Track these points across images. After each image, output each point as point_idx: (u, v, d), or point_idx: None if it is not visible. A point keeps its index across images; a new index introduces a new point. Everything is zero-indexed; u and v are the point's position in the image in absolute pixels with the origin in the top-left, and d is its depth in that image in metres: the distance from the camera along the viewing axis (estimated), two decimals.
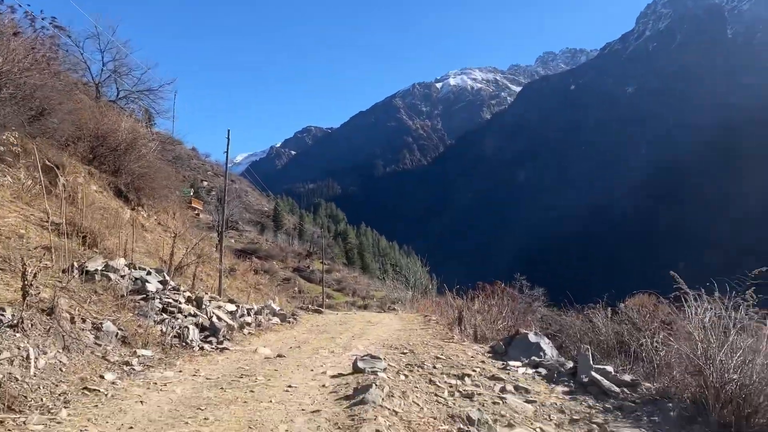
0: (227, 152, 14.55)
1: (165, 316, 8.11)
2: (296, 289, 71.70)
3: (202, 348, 7.85)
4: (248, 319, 10.91)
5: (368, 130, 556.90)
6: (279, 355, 7.91)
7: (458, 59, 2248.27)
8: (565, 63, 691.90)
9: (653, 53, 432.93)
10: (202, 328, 8.57)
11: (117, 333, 6.58)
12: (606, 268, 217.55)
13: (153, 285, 8.77)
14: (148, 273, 9.44)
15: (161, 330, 7.58)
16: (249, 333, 10.15)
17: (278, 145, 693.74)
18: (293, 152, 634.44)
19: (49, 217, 10.24)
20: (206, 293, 11.52)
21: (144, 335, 7.04)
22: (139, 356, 6.49)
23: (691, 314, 5.72)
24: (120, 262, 8.91)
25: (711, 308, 5.71)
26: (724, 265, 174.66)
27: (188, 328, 7.96)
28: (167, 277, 9.93)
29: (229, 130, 14.88)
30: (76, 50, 24.31)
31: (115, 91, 25.63)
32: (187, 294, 9.74)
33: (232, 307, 10.87)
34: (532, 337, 8.94)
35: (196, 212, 71.67)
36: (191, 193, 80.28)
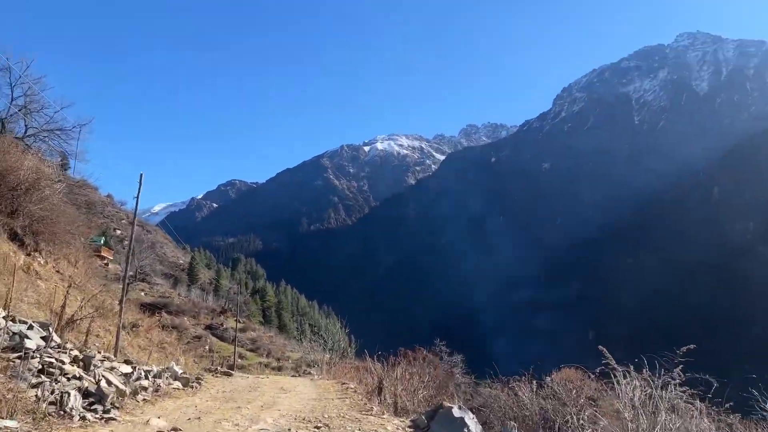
0: (137, 197, 13.54)
1: (43, 378, 6.99)
2: (207, 348, 67.97)
3: (83, 418, 6.78)
4: (144, 383, 9.77)
5: (295, 188, 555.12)
6: (174, 429, 6.95)
7: (386, 125, 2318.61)
8: (487, 136, 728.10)
9: (568, 133, 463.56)
10: (86, 394, 7.47)
11: None
12: (519, 339, 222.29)
13: (33, 341, 7.63)
14: (29, 327, 8.27)
15: (36, 395, 6.51)
16: (144, 400, 9.04)
17: (200, 196, 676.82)
18: (215, 205, 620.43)
19: None
20: (100, 352, 10.31)
21: (11, 401, 5.96)
22: None
23: (621, 392, 5.42)
24: None
25: (640, 386, 5.44)
26: (629, 337, 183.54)
27: (69, 394, 6.87)
28: (53, 333, 8.76)
29: (141, 174, 13.97)
30: None
31: (23, 128, 23.86)
32: (75, 353, 8.60)
33: (127, 369, 9.72)
34: (456, 412, 8.44)
35: (105, 262, 67.59)
36: (102, 242, 75.90)
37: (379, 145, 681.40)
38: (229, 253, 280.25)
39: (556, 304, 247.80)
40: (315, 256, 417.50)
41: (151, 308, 67.37)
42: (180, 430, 6.92)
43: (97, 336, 13.62)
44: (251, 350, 74.48)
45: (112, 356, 10.84)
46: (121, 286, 30.04)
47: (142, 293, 79.40)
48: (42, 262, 17.06)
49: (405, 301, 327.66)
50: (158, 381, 10.38)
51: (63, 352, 8.15)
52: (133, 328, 18.10)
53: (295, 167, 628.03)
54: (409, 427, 8.45)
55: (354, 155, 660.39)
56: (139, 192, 13.53)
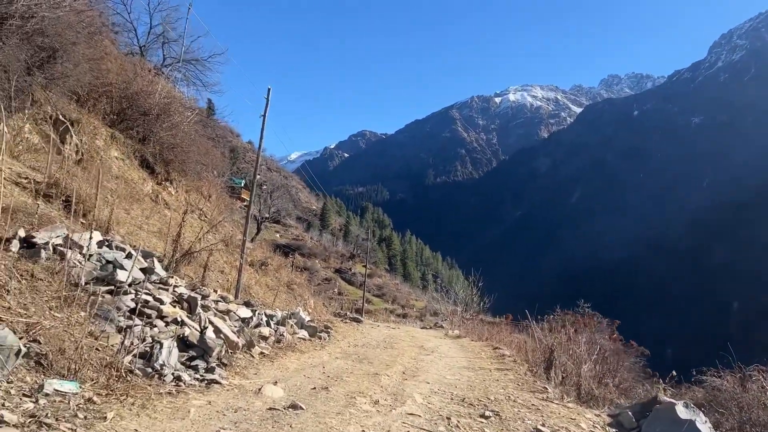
0: (264, 115, 11.90)
1: (135, 321, 5.35)
2: (336, 290, 69.43)
3: (178, 378, 5.04)
4: (265, 331, 8.11)
5: (423, 139, 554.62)
6: (292, 406, 5.02)
7: (520, 75, 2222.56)
8: (630, 88, 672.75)
9: (724, 84, 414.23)
10: (187, 345, 5.78)
11: (19, 349, 3.85)
12: (654, 302, 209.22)
13: (128, 273, 6.02)
14: (128, 256, 6.73)
15: (119, 344, 4.85)
16: (261, 354, 7.33)
17: (332, 146, 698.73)
18: (346, 155, 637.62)
19: (30, 176, 7.75)
20: (215, 291, 8.83)
21: (79, 353, 4.29)
22: (42, 395, 3.74)
23: None
24: (87, 237, 6.20)
25: None
26: None
27: (161, 344, 5.18)
28: (156, 264, 7.22)
29: (269, 89, 12.30)
30: (123, 9, 22.38)
31: (162, 58, 23.63)
32: (181, 290, 7.03)
33: (245, 313, 8.11)
34: (682, 411, 5.80)
35: (245, 204, 70.23)
36: (242, 184, 79.37)
37: (512, 96, 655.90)
38: (358, 201, 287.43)
39: (698, 271, 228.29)
40: (440, 207, 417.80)
41: (284, 249, 69.79)
42: (299, 407, 4.97)
43: (222, 272, 12.45)
44: (377, 296, 75.21)
45: (230, 296, 9.34)
46: (251, 223, 29.64)
47: (277, 235, 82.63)
48: (172, 191, 16.31)
49: (530, 257, 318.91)
50: (281, 329, 8.70)
51: (164, 289, 6.57)
52: (262, 267, 17.10)
53: (424, 119, 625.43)
54: (610, 425, 5.97)
55: (484, 106, 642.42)
56: (266, 109, 11.92)
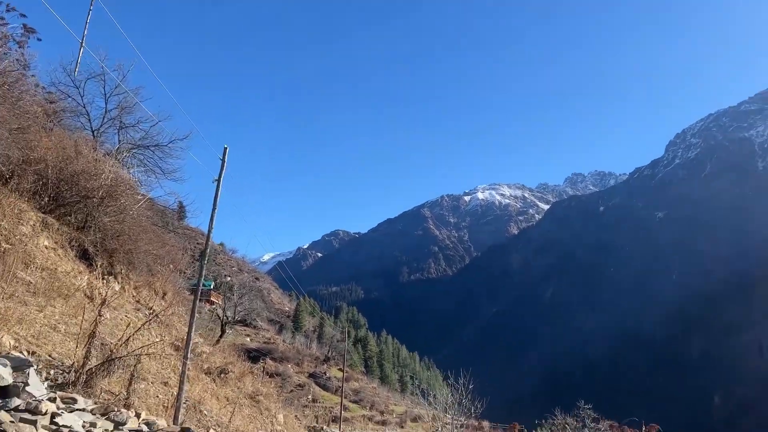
0: (219, 179, 9.92)
1: None
2: (310, 398, 64.89)
3: None
4: None
5: (395, 237, 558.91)
6: None
7: (487, 174, 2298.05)
8: (594, 185, 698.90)
9: (683, 181, 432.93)
10: None
11: None
12: (637, 396, 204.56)
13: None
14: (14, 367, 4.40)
15: None
16: None
17: (306, 246, 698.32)
18: (319, 254, 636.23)
19: None
20: (142, 413, 6.37)
21: None
22: None
23: None
24: None
25: None
26: (756, 400, 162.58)
27: None
28: (32, 378, 4.80)
29: (226, 147, 10.38)
30: (75, 92, 20.75)
31: (116, 143, 21.75)
32: (72, 418, 4.62)
33: None
34: None
35: (214, 306, 66.96)
36: (211, 286, 76.12)
37: (480, 195, 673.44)
38: (332, 301, 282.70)
39: (676, 363, 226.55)
40: (415, 305, 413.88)
41: (255, 354, 65.66)
42: None
43: (165, 384, 9.87)
44: (354, 401, 70.62)
45: (163, 422, 6.72)
46: (214, 325, 26.72)
47: (248, 338, 78.44)
48: (116, 287, 13.85)
49: (509, 356, 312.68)
50: None
51: (28, 421, 4.18)
52: (222, 375, 14.40)
53: (396, 217, 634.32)
54: None
55: (454, 205, 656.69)
56: (222, 169, 9.98)
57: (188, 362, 11.73)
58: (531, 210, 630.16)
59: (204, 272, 9.29)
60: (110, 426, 4.97)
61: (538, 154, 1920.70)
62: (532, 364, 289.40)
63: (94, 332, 6.91)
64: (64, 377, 6.29)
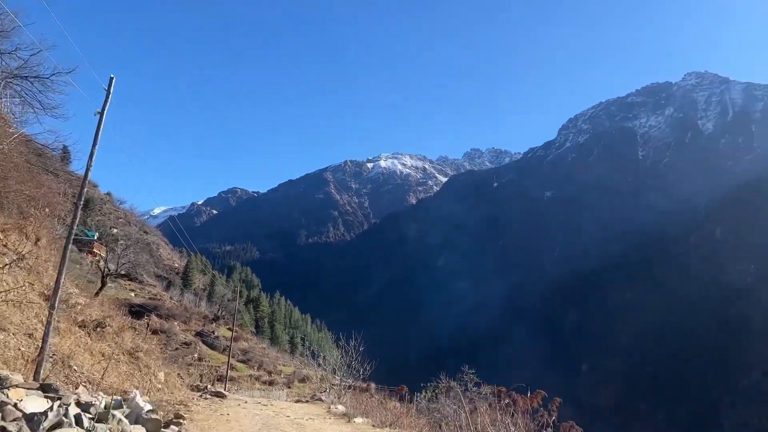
0: (102, 112, 8.87)
1: None
2: (196, 356, 63.17)
3: None
4: None
5: (295, 199, 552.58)
6: None
7: (391, 143, 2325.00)
8: (490, 161, 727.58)
9: (572, 163, 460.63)
10: None
11: None
12: (514, 365, 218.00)
13: None
14: None
15: None
16: None
17: (200, 202, 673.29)
18: (215, 211, 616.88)
19: None
20: None
21: None
22: None
23: None
24: None
25: None
26: (622, 372, 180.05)
27: None
28: None
29: (112, 77, 9.33)
30: None
31: None
32: None
33: (37, 405, 5.03)
34: None
35: (97, 259, 63.03)
36: (95, 236, 71.38)
37: (383, 163, 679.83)
38: (226, 260, 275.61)
39: (552, 334, 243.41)
40: (311, 268, 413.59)
41: (139, 309, 62.64)
42: None
43: (30, 336, 8.92)
44: (242, 361, 69.62)
45: (19, 377, 5.93)
46: (95, 276, 24.96)
47: (132, 293, 74.71)
48: None
49: (399, 320, 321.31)
50: (100, 429, 5.59)
51: None
52: (98, 328, 13.34)
53: (298, 179, 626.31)
54: None
55: (357, 171, 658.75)
56: (105, 104, 8.93)
57: (59, 313, 10.72)
58: (430, 181, 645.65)
59: (79, 213, 8.35)
60: None
61: (441, 127, 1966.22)
62: (420, 330, 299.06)
63: None
64: None
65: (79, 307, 13.51)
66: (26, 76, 19.61)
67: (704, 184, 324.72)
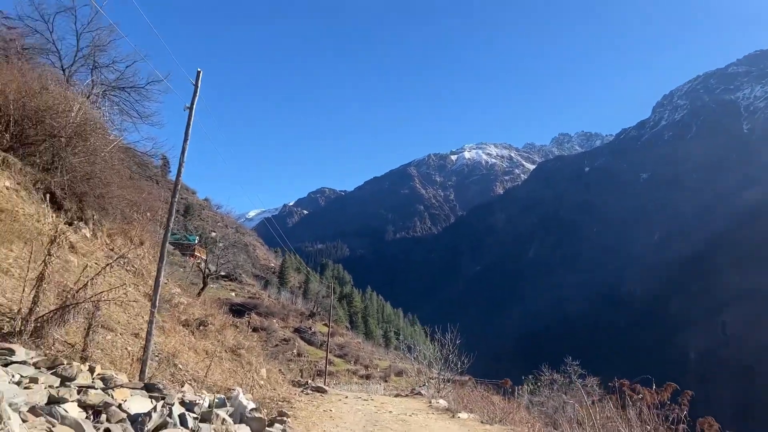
0: (191, 106, 8.86)
1: None
2: (295, 351, 64.96)
3: None
4: None
5: (381, 195, 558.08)
6: None
7: (474, 134, 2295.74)
8: (580, 145, 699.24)
9: (669, 142, 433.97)
10: None
11: None
12: (615, 354, 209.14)
13: None
14: None
15: None
16: None
17: (291, 203, 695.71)
18: (305, 211, 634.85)
19: None
20: (96, 366, 5.58)
21: None
22: None
23: None
24: None
25: None
26: (730, 357, 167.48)
27: None
28: None
29: (199, 72, 9.32)
30: (44, 27, 19.04)
31: (90, 84, 20.17)
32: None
33: (141, 405, 4.90)
34: None
35: (198, 261, 66.16)
36: (195, 240, 75.21)
37: (467, 154, 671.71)
38: (318, 258, 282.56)
39: (654, 322, 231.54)
40: (400, 263, 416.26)
41: (240, 308, 65.29)
42: None
43: (136, 336, 9.09)
44: (339, 356, 70.96)
45: (123, 377, 5.91)
46: (196, 277, 25.88)
47: (233, 293, 78.09)
48: (87, 234, 12.90)
49: (491, 312, 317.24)
50: (203, 429, 5.41)
51: None
52: (201, 327, 13.65)
53: (383, 176, 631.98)
54: None
55: (441, 164, 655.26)
56: (194, 97, 8.91)
57: (163, 313, 10.94)
58: (517, 170, 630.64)
59: (174, 208, 8.38)
60: (56, 382, 4.22)
61: (526, 114, 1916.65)
62: (513, 321, 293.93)
63: (42, 274, 6.06)
64: (12, 325, 5.47)
65: (183, 306, 13.84)
66: (123, 87, 20.59)
67: None
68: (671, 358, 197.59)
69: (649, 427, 6.84)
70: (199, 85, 8.98)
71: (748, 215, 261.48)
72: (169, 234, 8.56)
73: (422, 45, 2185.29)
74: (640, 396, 7.65)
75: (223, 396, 6.75)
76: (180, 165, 8.29)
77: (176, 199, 8.38)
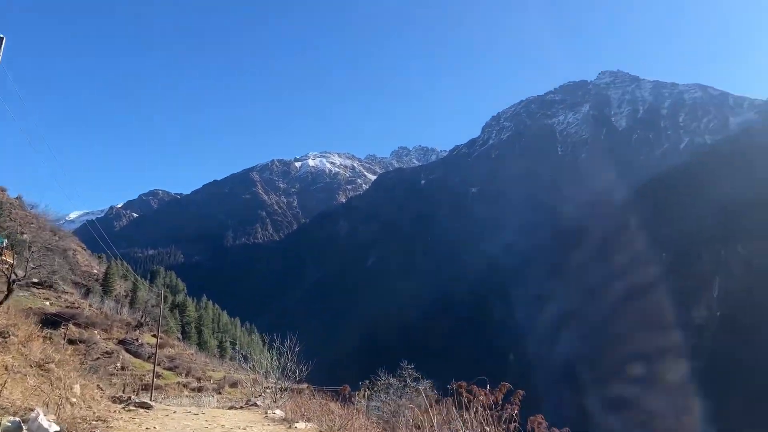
0: None
1: None
2: (119, 365, 59.85)
3: None
4: None
5: (221, 200, 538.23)
6: None
7: (319, 142, 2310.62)
8: (418, 159, 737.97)
9: (495, 160, 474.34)
10: None
11: None
12: (445, 358, 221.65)
13: None
14: None
15: None
16: None
17: (119, 205, 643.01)
18: (135, 215, 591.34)
19: None
20: None
21: None
22: None
23: None
24: None
25: None
26: (545, 361, 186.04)
27: None
28: None
29: (2, 38, 8.03)
30: None
31: None
32: None
33: None
34: None
35: (7, 266, 58.36)
36: (4, 243, 66.32)
37: (311, 162, 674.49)
38: (149, 265, 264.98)
39: (479, 327, 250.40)
40: (240, 271, 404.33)
41: (55, 318, 58.54)
42: None
43: None
44: (169, 368, 66.72)
45: None
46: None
47: (47, 302, 69.96)
48: None
49: (331, 320, 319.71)
50: None
51: None
52: (0, 338, 11.75)
53: (223, 179, 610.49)
54: None
55: (285, 170, 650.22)
56: None
57: None
58: (359, 180, 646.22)
59: None
60: None
61: (368, 125, 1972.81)
62: (352, 329, 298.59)
63: None
64: None
65: None
66: None
67: (620, 177, 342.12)
68: (493, 358, 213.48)
69: (486, 428, 7.14)
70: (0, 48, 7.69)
71: (561, 230, 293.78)
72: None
73: (268, 47, 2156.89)
74: (477, 397, 7.99)
75: (17, 419, 5.73)
76: None
77: None
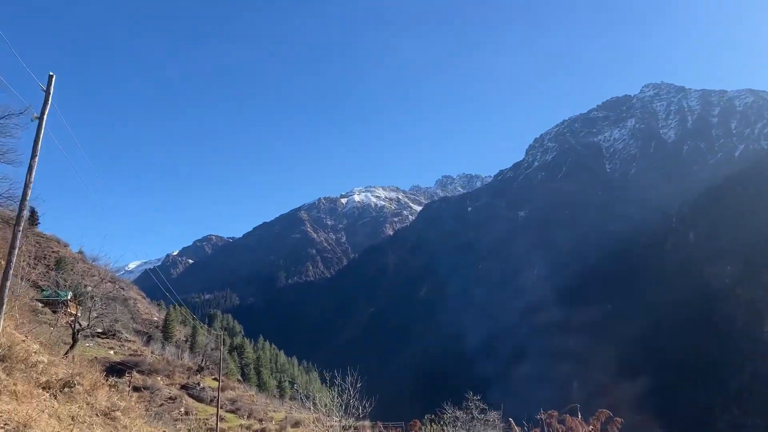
0: (42, 116, 7.53)
1: None
2: (182, 410, 60.28)
3: None
4: None
5: (272, 241, 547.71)
6: None
7: (363, 177, 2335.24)
8: (462, 186, 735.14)
9: (541, 182, 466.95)
10: None
11: None
12: (509, 389, 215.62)
13: None
14: None
15: None
16: None
17: (175, 253, 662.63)
18: (191, 261, 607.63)
19: None
20: None
21: None
22: None
23: None
24: None
25: None
26: (609, 388, 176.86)
27: None
28: None
29: (51, 75, 8.00)
30: None
31: None
32: None
33: None
34: None
35: (73, 318, 60.26)
36: (68, 295, 68.54)
37: (357, 197, 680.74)
38: (206, 309, 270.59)
39: (537, 353, 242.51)
40: (293, 309, 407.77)
41: (120, 367, 59.71)
42: None
43: None
44: (230, 411, 66.79)
45: None
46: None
47: (111, 351, 71.64)
48: None
49: (387, 354, 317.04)
50: None
51: None
52: (65, 389, 11.68)
53: (272, 221, 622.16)
54: None
55: (332, 207, 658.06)
56: (45, 106, 7.58)
57: (12, 374, 9.15)
58: (405, 211, 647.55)
59: (20, 238, 6.95)
60: None
61: (411, 157, 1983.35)
62: (410, 361, 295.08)
63: None
64: None
65: (42, 366, 11.87)
66: None
67: (673, 191, 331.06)
68: (556, 386, 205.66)
69: None
70: (51, 92, 7.67)
71: (616, 249, 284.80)
72: (10, 268, 7.08)
73: (309, 89, 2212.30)
74: (569, 428, 7.22)
75: None
76: (26, 186, 6.90)
77: (21, 228, 6.97)
